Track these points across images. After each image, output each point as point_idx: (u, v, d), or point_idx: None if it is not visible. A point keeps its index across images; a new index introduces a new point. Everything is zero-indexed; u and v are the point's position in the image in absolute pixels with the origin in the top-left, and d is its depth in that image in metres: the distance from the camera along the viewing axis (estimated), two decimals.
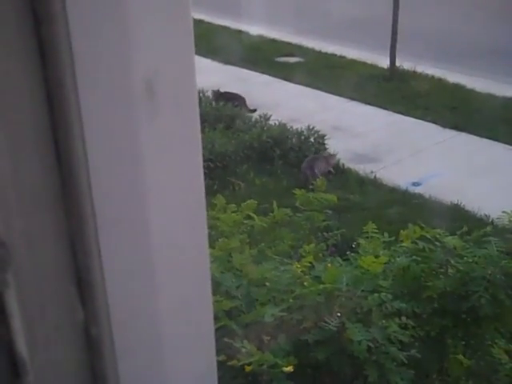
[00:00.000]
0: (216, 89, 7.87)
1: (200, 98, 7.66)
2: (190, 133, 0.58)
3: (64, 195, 0.56)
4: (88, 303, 0.58)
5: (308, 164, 6.54)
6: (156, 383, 0.64)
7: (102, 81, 0.53)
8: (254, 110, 7.82)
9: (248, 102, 8.00)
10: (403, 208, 6.01)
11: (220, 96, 7.69)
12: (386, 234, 2.89)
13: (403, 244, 2.75)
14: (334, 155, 6.79)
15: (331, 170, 6.62)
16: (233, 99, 7.79)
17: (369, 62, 9.50)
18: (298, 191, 3.38)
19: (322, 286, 2.32)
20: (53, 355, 0.58)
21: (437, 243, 2.65)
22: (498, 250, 2.63)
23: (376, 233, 2.87)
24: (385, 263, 2.56)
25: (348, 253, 3.24)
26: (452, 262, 2.60)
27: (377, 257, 2.53)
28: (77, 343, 0.58)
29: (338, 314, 2.29)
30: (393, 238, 2.87)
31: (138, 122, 0.54)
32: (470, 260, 2.61)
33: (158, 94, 0.54)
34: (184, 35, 0.56)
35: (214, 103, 7.61)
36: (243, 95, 8.08)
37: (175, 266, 0.61)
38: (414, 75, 9.02)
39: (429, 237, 2.68)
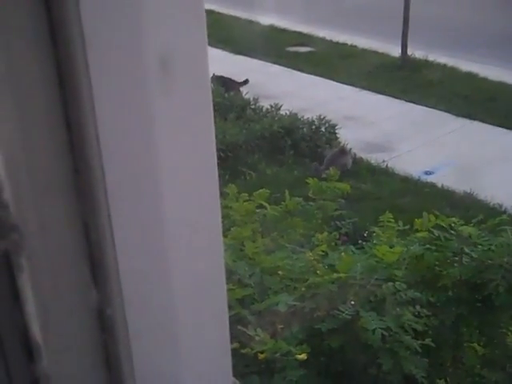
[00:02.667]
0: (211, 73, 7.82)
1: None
2: (203, 112, 0.57)
3: (76, 178, 0.56)
4: (101, 286, 0.58)
5: (330, 161, 6.42)
6: (169, 365, 0.63)
7: (113, 59, 0.52)
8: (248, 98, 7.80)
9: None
10: (415, 197, 5.99)
11: (215, 80, 7.61)
12: (400, 223, 2.87)
13: (418, 234, 2.73)
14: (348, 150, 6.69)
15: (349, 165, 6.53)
16: (228, 84, 7.75)
17: (380, 50, 9.44)
18: (310, 180, 3.37)
19: (335, 275, 2.32)
20: (67, 339, 0.57)
21: (452, 232, 2.63)
22: None
23: (390, 222, 2.86)
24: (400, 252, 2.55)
25: (360, 241, 3.23)
26: (467, 250, 2.58)
27: (391, 246, 2.52)
28: (91, 326, 0.58)
29: (352, 303, 2.28)
30: (407, 227, 2.86)
31: (151, 100, 0.54)
32: (486, 248, 2.59)
33: (171, 71, 0.53)
34: (196, 15, 0.55)
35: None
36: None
37: (188, 246, 0.60)
38: (426, 64, 8.96)
39: (444, 225, 2.66)
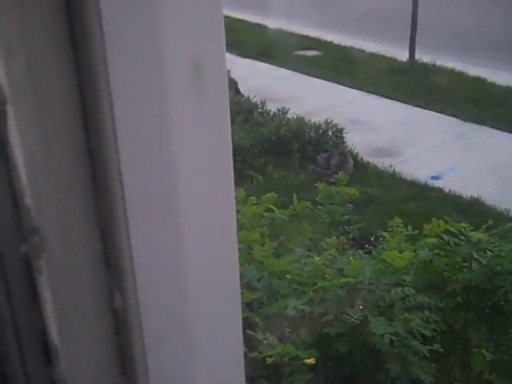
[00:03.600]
0: None
1: None
2: (223, 118, 0.58)
3: (94, 181, 0.56)
4: (118, 289, 0.58)
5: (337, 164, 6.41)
6: (183, 369, 0.63)
7: (133, 64, 0.52)
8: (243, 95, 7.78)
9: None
10: (422, 202, 5.97)
11: None
12: (409, 228, 2.86)
13: (427, 239, 2.72)
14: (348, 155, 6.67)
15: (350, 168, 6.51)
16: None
17: (388, 55, 9.43)
18: (319, 184, 3.37)
19: (344, 280, 2.31)
20: (84, 342, 0.57)
21: (461, 237, 2.63)
22: None
23: (399, 227, 2.85)
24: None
25: (367, 246, 3.22)
26: (476, 256, 2.57)
27: (401, 251, 2.51)
28: (107, 330, 0.58)
29: (361, 307, 2.28)
30: (416, 232, 2.85)
31: (171, 107, 0.54)
32: (496, 254, 2.58)
33: (198, 76, 0.53)
34: (216, 20, 0.55)
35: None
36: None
37: (204, 250, 0.60)
38: (433, 68, 8.94)
39: (453, 231, 2.65)
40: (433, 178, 6.49)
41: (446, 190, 6.23)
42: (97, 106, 0.54)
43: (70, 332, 0.56)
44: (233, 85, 7.84)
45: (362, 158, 6.79)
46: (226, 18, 9.59)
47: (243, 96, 7.81)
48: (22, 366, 0.55)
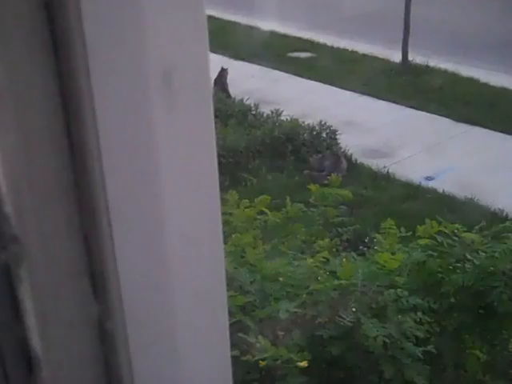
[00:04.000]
0: None
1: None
2: (206, 125, 0.57)
3: (77, 189, 0.56)
4: (102, 298, 0.57)
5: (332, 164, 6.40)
6: (170, 377, 0.63)
7: (115, 71, 0.52)
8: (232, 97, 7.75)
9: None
10: (416, 203, 5.98)
11: None
12: (402, 229, 2.86)
13: (421, 240, 2.72)
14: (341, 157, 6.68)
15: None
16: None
17: (381, 56, 9.45)
18: (312, 186, 3.37)
19: (337, 282, 2.31)
20: (67, 351, 0.57)
21: (455, 238, 2.63)
22: None
23: (392, 228, 2.85)
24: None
25: (361, 247, 3.22)
26: (469, 256, 2.57)
27: (393, 253, 2.51)
28: (91, 338, 0.57)
29: (354, 310, 2.28)
30: (409, 233, 2.85)
31: (153, 113, 0.53)
32: (489, 255, 2.58)
33: (174, 84, 0.53)
34: (198, 26, 0.55)
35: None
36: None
37: (189, 258, 0.60)
38: (426, 69, 8.96)
39: (447, 232, 2.65)
40: (427, 178, 6.51)
41: (440, 191, 6.24)
42: (79, 114, 0.53)
43: (53, 340, 0.56)
44: (221, 85, 7.83)
45: (355, 160, 6.80)
46: (218, 20, 9.57)
47: (231, 97, 7.81)
48: (3, 375, 0.55)
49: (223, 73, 7.91)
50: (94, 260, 0.57)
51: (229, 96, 7.87)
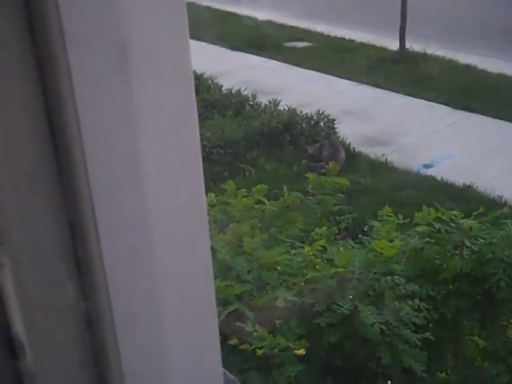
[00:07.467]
0: None
1: (209, 85, 7.63)
2: (187, 106, 0.56)
3: (59, 174, 0.55)
4: (86, 283, 0.57)
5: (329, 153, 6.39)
6: (158, 358, 0.63)
7: (92, 54, 0.51)
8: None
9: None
10: (415, 190, 5.97)
11: None
12: (400, 217, 2.86)
13: (418, 227, 2.71)
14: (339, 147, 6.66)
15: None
16: None
17: (378, 44, 9.42)
18: (310, 175, 3.36)
19: (334, 270, 2.31)
20: (52, 336, 0.57)
21: (452, 225, 2.62)
22: None
23: (390, 216, 2.85)
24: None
25: (360, 236, 3.22)
26: (467, 243, 2.56)
27: (391, 240, 2.51)
28: (76, 323, 0.57)
29: (351, 297, 2.28)
30: (407, 221, 2.84)
31: (131, 97, 0.53)
32: (487, 242, 2.57)
33: (153, 60, 0.52)
34: (176, 8, 0.54)
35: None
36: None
37: (175, 242, 0.60)
38: (424, 57, 8.94)
39: (444, 218, 2.65)
40: (425, 166, 6.50)
41: (439, 178, 6.24)
42: (59, 101, 0.53)
43: (37, 326, 0.55)
44: None
45: (354, 148, 6.79)
46: (215, 11, 9.52)
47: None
48: None
49: None
50: (77, 245, 0.57)
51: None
